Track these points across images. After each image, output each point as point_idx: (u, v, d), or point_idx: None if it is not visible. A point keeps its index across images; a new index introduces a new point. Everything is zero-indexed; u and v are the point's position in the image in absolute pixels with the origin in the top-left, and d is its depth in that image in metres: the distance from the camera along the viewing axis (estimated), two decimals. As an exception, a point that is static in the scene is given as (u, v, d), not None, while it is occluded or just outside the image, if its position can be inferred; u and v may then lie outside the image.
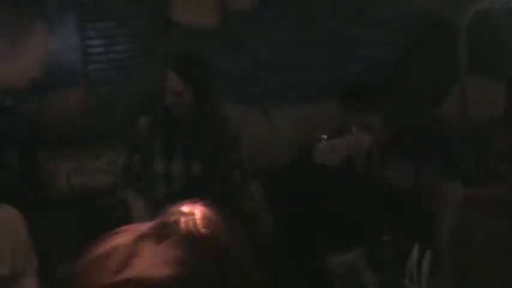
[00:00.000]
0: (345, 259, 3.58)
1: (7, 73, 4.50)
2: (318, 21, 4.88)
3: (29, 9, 4.53)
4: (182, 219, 1.14)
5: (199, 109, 3.57)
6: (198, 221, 1.14)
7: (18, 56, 4.52)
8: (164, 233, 1.13)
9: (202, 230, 1.13)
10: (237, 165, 3.71)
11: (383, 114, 3.83)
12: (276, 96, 4.80)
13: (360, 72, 4.85)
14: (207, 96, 3.59)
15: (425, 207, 2.58)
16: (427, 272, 2.71)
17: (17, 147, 4.53)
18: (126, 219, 3.60)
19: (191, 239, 1.12)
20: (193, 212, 1.15)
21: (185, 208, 1.16)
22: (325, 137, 3.33)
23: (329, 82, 4.73)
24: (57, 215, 4.36)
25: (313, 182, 3.72)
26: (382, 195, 3.66)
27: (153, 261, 1.09)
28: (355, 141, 3.40)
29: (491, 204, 2.05)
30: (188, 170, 3.61)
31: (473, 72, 5.05)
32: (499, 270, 1.98)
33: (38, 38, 4.55)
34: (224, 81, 4.62)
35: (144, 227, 1.16)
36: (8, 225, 3.17)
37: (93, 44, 4.69)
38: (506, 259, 1.98)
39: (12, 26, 4.50)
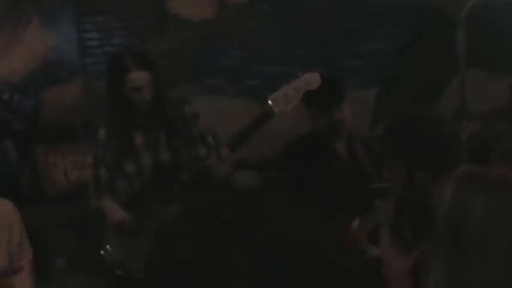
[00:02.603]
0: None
1: (4, 67, 4.48)
2: (316, 14, 4.87)
3: (25, 3, 4.51)
4: None
5: (157, 95, 3.61)
6: None
7: (15, 50, 4.50)
8: None
9: None
10: (201, 139, 3.74)
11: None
12: (274, 89, 4.77)
13: (355, 67, 4.85)
14: (160, 80, 3.63)
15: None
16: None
17: (15, 141, 4.52)
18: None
19: None
20: None
21: None
22: None
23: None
24: (55, 208, 4.37)
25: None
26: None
27: None
28: (304, 83, 3.47)
29: (490, 181, 2.03)
30: (157, 160, 3.64)
31: (472, 65, 5.03)
32: (495, 247, 1.96)
33: (35, 32, 4.54)
34: (219, 74, 4.63)
35: None
36: (3, 218, 3.15)
37: (90, 37, 4.68)
38: (503, 236, 1.96)
39: (9, 20, 4.48)
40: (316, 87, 3.52)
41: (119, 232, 3.62)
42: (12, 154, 4.54)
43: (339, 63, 4.81)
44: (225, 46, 4.72)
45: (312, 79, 3.50)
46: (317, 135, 3.98)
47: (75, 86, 4.61)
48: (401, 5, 4.98)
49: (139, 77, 3.55)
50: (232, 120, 4.30)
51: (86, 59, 4.65)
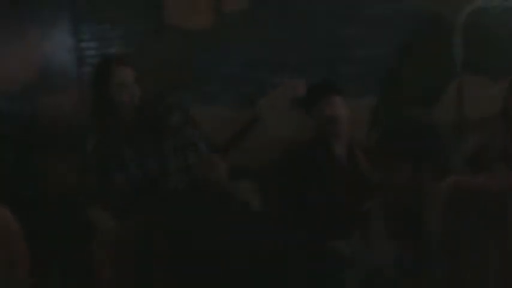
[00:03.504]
0: (349, 242, 3.57)
1: (2, 75, 4.50)
2: (312, 21, 4.88)
3: (22, 11, 4.52)
4: None
5: (142, 101, 3.64)
6: None
7: (12, 58, 4.52)
8: None
9: None
10: (192, 146, 3.75)
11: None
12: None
13: (354, 73, 4.85)
14: (145, 85, 3.68)
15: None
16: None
17: (13, 148, 4.53)
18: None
19: None
20: None
21: None
22: None
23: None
24: (54, 214, 4.38)
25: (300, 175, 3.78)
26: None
27: None
28: (290, 90, 3.52)
29: (480, 191, 2.03)
30: (146, 168, 3.64)
31: (469, 71, 5.03)
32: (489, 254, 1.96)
33: (32, 40, 4.55)
34: (217, 82, 4.63)
35: None
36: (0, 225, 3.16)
37: (87, 46, 4.69)
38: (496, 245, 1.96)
39: (5, 28, 4.50)
40: (302, 93, 3.56)
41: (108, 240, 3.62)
42: (11, 161, 4.55)
43: (338, 69, 4.81)
44: (223, 54, 4.73)
45: (298, 86, 3.54)
46: (317, 142, 3.99)
47: (72, 94, 4.62)
48: (399, 10, 4.98)
49: (124, 70, 3.59)
50: (229, 128, 4.32)
51: (83, 68, 4.66)
